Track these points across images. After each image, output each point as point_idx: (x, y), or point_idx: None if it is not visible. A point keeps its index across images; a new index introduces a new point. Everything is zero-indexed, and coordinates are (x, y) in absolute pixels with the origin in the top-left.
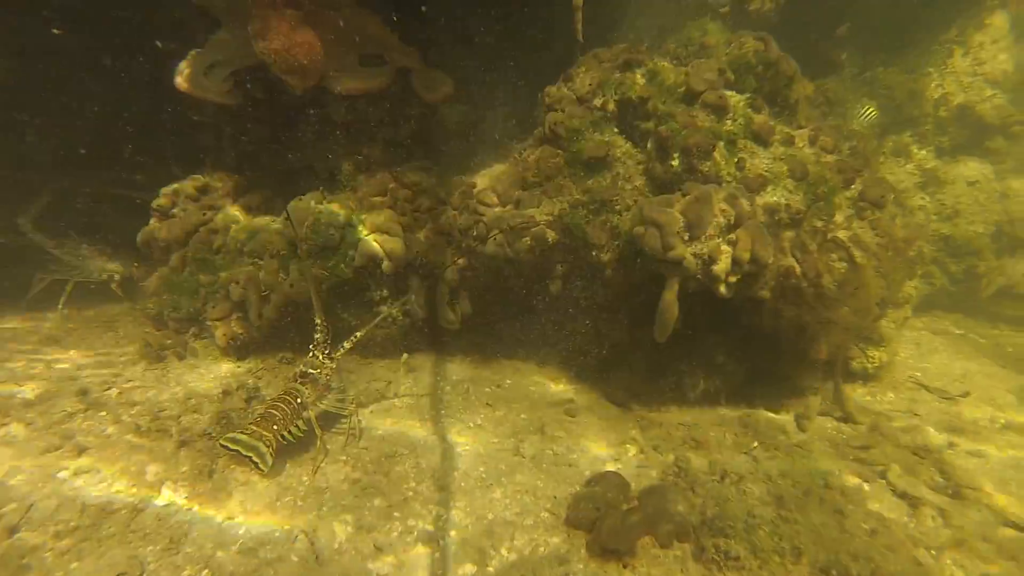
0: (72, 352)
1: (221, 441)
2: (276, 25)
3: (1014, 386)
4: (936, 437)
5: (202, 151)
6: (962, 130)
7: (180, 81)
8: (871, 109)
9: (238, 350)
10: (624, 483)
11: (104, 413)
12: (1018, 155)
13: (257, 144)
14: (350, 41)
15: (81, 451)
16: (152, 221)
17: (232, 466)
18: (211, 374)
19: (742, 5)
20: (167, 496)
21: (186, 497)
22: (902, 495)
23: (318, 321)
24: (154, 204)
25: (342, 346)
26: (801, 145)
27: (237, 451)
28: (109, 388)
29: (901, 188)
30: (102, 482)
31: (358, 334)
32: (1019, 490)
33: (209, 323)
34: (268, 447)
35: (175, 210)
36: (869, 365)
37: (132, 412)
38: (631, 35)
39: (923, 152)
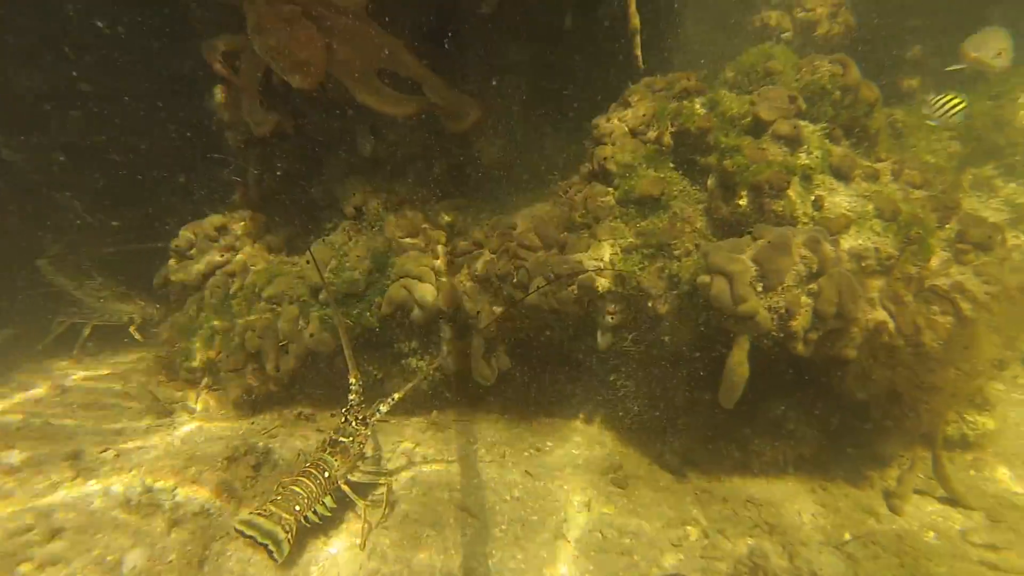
0: (75, 404)
1: (236, 525)
2: (270, 19)
3: None
4: None
5: (223, 187)
6: None
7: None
8: (958, 100)
9: (253, 404)
10: None
11: (94, 482)
12: None
13: (281, 180)
14: (363, 50)
15: (55, 533)
16: (170, 262)
17: (229, 551)
18: (221, 432)
19: (808, 31)
20: None
21: None
22: None
23: (352, 380)
24: (172, 244)
25: (378, 409)
26: (886, 180)
27: (253, 537)
28: (106, 450)
29: None
30: None
31: (396, 395)
32: None
33: (222, 374)
34: (287, 532)
35: (192, 251)
36: (970, 432)
37: (125, 480)
38: (685, 64)
39: (1012, 185)
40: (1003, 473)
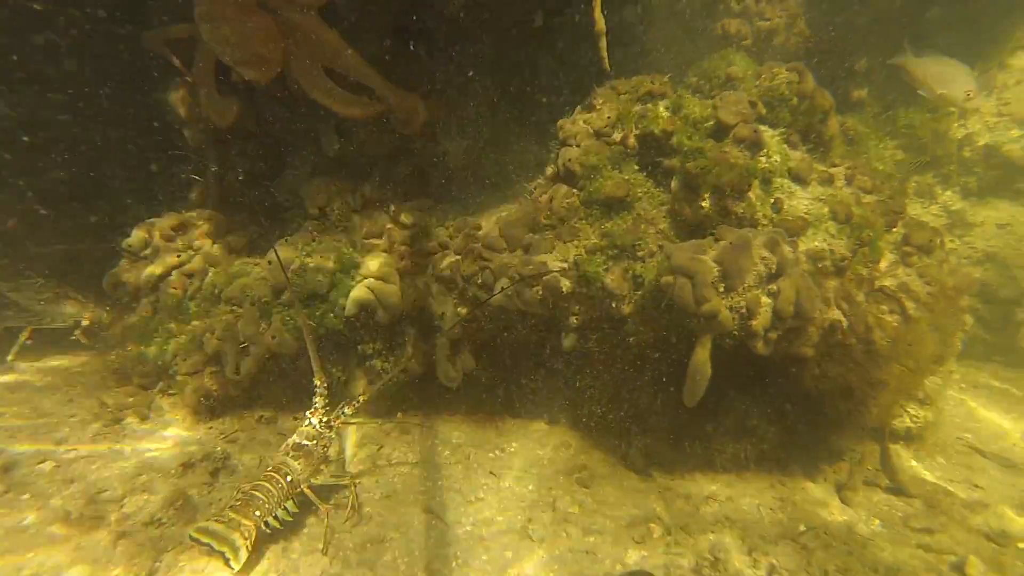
0: (8, 414)
1: (191, 532)
2: (223, 6)
3: None
4: (1015, 519)
5: (182, 186)
6: (989, 171)
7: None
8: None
9: (211, 409)
10: None
11: (27, 496)
12: None
13: (244, 179)
14: (315, 48)
15: None
16: (122, 262)
17: (182, 563)
18: (176, 439)
19: (766, 40)
20: None
21: None
22: None
23: (317, 382)
24: (124, 243)
25: (343, 412)
26: (840, 185)
27: (209, 544)
28: (43, 461)
29: None
30: None
31: (361, 397)
32: None
33: (179, 378)
34: (246, 539)
35: (147, 250)
36: (912, 425)
37: (65, 493)
38: (649, 68)
39: (948, 193)
40: (940, 461)
